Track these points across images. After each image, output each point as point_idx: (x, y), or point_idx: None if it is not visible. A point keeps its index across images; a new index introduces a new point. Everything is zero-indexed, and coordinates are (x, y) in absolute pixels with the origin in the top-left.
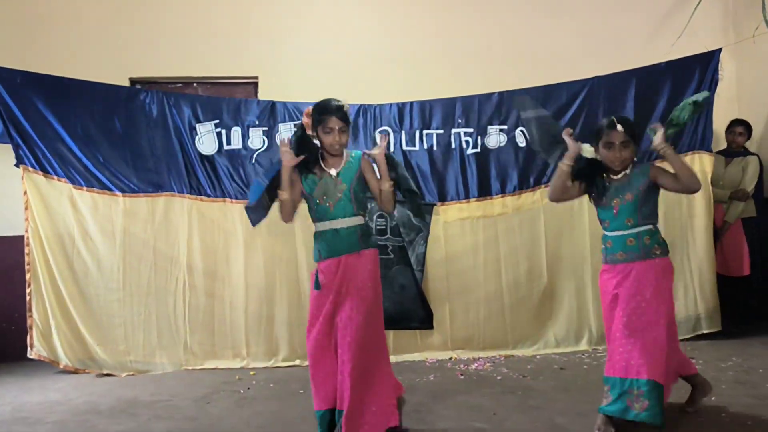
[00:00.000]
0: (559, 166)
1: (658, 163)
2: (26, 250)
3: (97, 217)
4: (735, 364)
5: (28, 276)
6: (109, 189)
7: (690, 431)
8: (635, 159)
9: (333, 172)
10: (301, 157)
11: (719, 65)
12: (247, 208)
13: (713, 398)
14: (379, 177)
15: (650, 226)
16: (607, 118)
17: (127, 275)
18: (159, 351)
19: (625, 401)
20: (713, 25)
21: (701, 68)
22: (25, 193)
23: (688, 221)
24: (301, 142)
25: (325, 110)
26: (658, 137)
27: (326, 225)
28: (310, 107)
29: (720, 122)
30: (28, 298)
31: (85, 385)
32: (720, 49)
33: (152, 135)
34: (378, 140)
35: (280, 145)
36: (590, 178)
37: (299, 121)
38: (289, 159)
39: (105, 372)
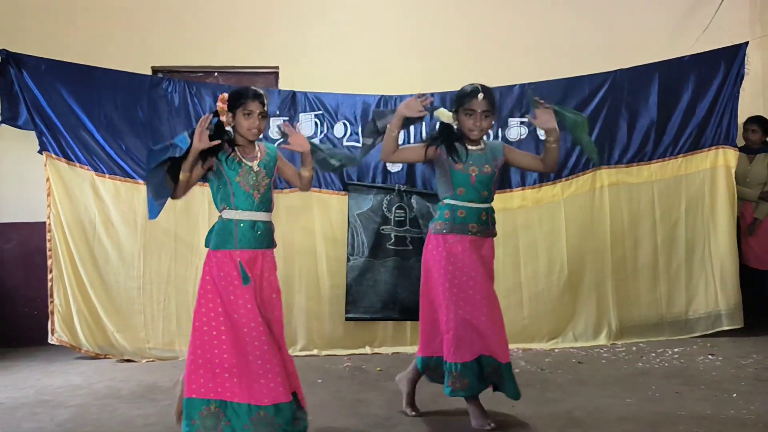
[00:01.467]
0: (389, 129)
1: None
2: (48, 237)
3: (118, 204)
4: (756, 361)
5: (49, 262)
6: (131, 177)
7: (710, 429)
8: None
9: (255, 163)
10: (216, 142)
11: (745, 59)
12: (150, 191)
13: (734, 395)
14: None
15: (492, 203)
16: (470, 85)
17: (148, 263)
18: (178, 339)
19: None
20: (739, 18)
21: (726, 62)
22: (47, 179)
23: (710, 217)
24: (217, 128)
25: (245, 94)
26: (549, 120)
27: (246, 215)
28: (226, 94)
29: (744, 117)
30: (49, 283)
31: (106, 370)
32: (746, 43)
33: (174, 124)
34: (286, 131)
35: (199, 123)
36: (449, 141)
37: (214, 109)
38: (205, 140)
39: (125, 358)
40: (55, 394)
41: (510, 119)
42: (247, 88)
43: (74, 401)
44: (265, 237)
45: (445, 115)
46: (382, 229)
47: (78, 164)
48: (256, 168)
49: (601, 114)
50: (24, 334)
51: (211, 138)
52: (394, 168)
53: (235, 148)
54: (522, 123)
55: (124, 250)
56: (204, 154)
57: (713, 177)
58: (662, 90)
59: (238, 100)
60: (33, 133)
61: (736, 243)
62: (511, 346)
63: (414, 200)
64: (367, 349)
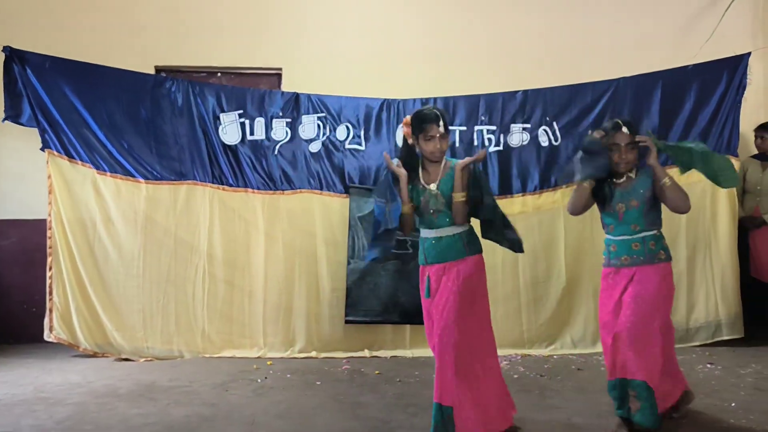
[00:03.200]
0: (582, 184)
1: (668, 169)
2: (48, 234)
3: (119, 203)
4: (755, 371)
5: (49, 259)
6: (133, 176)
7: None
8: (638, 164)
9: (433, 186)
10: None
11: (747, 69)
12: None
13: (732, 404)
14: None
15: (655, 231)
16: (611, 121)
17: (147, 262)
18: (176, 338)
19: (627, 402)
20: (742, 28)
21: (729, 72)
22: (49, 177)
23: (711, 226)
24: (407, 153)
25: (426, 118)
26: (651, 157)
27: (431, 233)
28: (408, 117)
29: (746, 126)
30: (48, 281)
31: (104, 368)
32: (749, 54)
33: (176, 123)
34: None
35: (388, 162)
36: (599, 182)
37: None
38: (404, 174)
39: (123, 357)
40: (53, 392)
41: (512, 125)
42: (428, 112)
43: (73, 399)
44: (450, 250)
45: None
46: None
47: (80, 162)
48: (434, 191)
49: (604, 121)
50: (22, 331)
51: (404, 164)
52: None
53: (420, 173)
54: (524, 129)
55: (124, 249)
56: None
57: (714, 187)
58: (665, 98)
59: (419, 125)
60: (35, 130)
61: (736, 252)
62: (509, 352)
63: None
64: (366, 352)
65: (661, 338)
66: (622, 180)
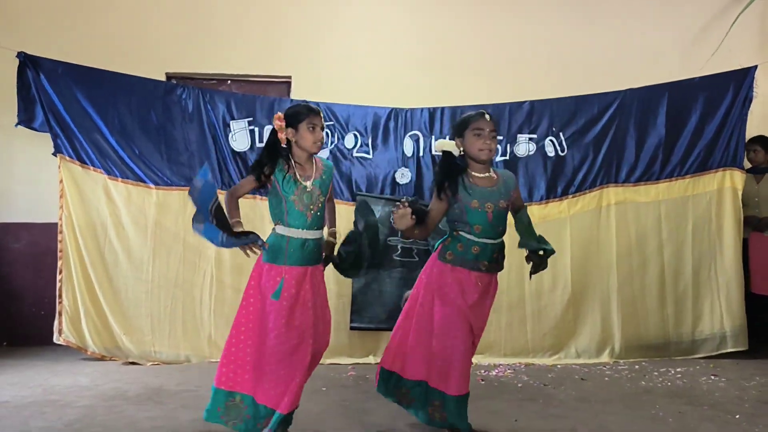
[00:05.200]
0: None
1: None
2: (59, 238)
3: (130, 208)
4: (759, 383)
5: (59, 263)
6: (143, 181)
7: None
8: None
9: (309, 183)
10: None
11: (754, 82)
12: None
13: (737, 416)
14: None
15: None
16: (471, 112)
17: (156, 267)
18: (184, 343)
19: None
20: (749, 42)
21: (735, 85)
22: (60, 181)
23: (716, 238)
24: (273, 147)
25: (310, 109)
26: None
27: (297, 233)
28: (280, 113)
29: None
30: (59, 284)
31: (112, 372)
32: (755, 67)
33: (187, 130)
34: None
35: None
36: (453, 177)
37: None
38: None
39: (130, 360)
40: (62, 394)
41: (519, 135)
42: (305, 104)
43: (82, 402)
44: (314, 254)
45: (446, 144)
46: (389, 240)
47: (91, 167)
48: (310, 187)
49: (610, 132)
50: (31, 333)
51: (269, 157)
52: (402, 180)
53: (294, 167)
54: (530, 139)
55: (134, 254)
56: (261, 174)
57: (720, 198)
58: (671, 110)
59: (300, 115)
60: (48, 135)
61: (741, 265)
62: (513, 361)
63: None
64: (371, 359)
65: None
66: (482, 175)
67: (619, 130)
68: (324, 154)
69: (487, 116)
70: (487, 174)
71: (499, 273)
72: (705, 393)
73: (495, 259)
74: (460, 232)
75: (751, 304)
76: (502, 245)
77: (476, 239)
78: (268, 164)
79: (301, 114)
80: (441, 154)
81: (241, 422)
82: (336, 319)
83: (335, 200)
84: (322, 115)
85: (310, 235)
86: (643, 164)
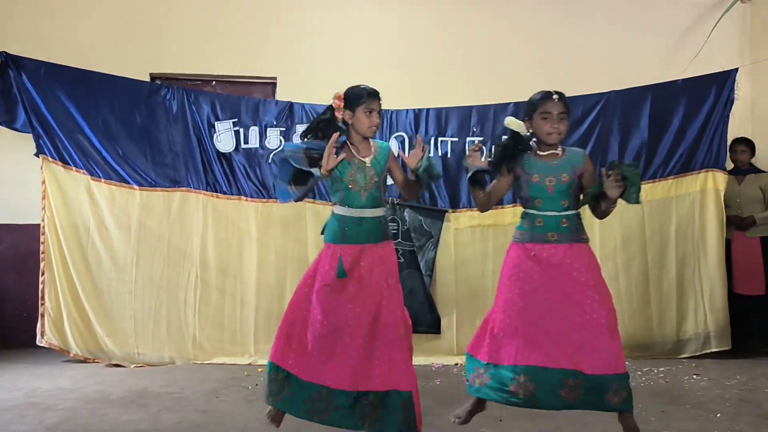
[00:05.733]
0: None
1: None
2: (42, 239)
3: (113, 209)
4: (740, 382)
5: (42, 265)
6: (127, 182)
7: None
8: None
9: (366, 160)
10: (342, 157)
11: (735, 85)
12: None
13: (718, 415)
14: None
15: (579, 211)
16: (540, 92)
17: (140, 268)
18: (168, 344)
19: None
20: (730, 45)
21: (717, 87)
22: (43, 182)
23: (700, 238)
24: (328, 124)
25: (370, 92)
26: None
27: (355, 212)
28: (341, 92)
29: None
30: (41, 286)
31: (95, 374)
32: (736, 69)
33: (171, 131)
34: (415, 145)
35: (328, 145)
36: (515, 155)
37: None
38: (333, 161)
39: (114, 363)
40: (44, 397)
41: (504, 137)
42: (366, 87)
43: (64, 405)
44: (372, 232)
45: (515, 123)
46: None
47: (74, 168)
48: (367, 165)
49: (594, 134)
50: (14, 336)
51: (322, 132)
52: (387, 181)
53: (350, 147)
54: None
55: (117, 255)
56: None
57: (703, 199)
58: (654, 112)
59: (359, 98)
60: (30, 136)
61: (724, 265)
62: None
63: (407, 214)
64: None
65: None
66: (546, 153)
67: (603, 131)
68: None
69: (555, 97)
70: (552, 151)
71: (491, 272)
72: (687, 392)
73: (566, 229)
74: (525, 209)
75: (734, 303)
76: (573, 216)
77: (539, 212)
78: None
79: (360, 97)
80: (509, 131)
81: (282, 399)
82: None
83: (320, 201)
84: (380, 100)
85: (367, 213)
86: None
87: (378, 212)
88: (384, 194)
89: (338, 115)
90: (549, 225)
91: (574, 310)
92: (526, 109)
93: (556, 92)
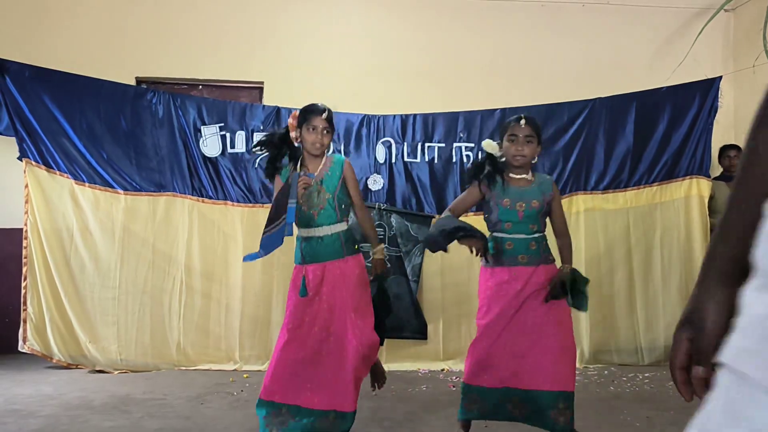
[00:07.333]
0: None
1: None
2: (24, 244)
3: (97, 213)
4: None
5: (24, 269)
6: (111, 186)
7: None
8: (534, 162)
9: (317, 179)
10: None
11: (719, 93)
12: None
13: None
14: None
15: (545, 234)
16: (513, 116)
17: (124, 273)
18: (151, 350)
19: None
20: (713, 54)
21: (701, 95)
22: (26, 186)
23: (685, 245)
24: (281, 140)
25: (311, 110)
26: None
27: (311, 232)
28: (296, 111)
29: (717, 148)
30: (23, 291)
31: (77, 380)
32: (720, 77)
33: (157, 135)
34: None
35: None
36: (492, 176)
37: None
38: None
39: (97, 369)
40: (25, 404)
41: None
42: (314, 105)
43: (45, 411)
44: (332, 249)
45: (490, 146)
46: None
47: (58, 172)
48: (319, 185)
49: (579, 140)
50: None
51: (274, 151)
52: (375, 186)
53: (298, 167)
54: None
55: (101, 260)
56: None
57: (687, 206)
58: (639, 119)
59: (303, 117)
60: (12, 139)
61: None
62: None
63: (393, 219)
64: None
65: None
66: (517, 177)
67: (589, 138)
68: None
69: (522, 122)
70: (524, 176)
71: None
72: (671, 398)
73: (535, 251)
74: (494, 233)
75: None
76: (540, 238)
77: (508, 236)
78: (271, 160)
79: (305, 114)
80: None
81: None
82: None
83: None
84: (326, 116)
85: (324, 231)
86: (612, 172)
87: (336, 228)
88: (347, 208)
89: (293, 134)
90: (519, 248)
91: (531, 329)
92: (499, 132)
93: (526, 116)
